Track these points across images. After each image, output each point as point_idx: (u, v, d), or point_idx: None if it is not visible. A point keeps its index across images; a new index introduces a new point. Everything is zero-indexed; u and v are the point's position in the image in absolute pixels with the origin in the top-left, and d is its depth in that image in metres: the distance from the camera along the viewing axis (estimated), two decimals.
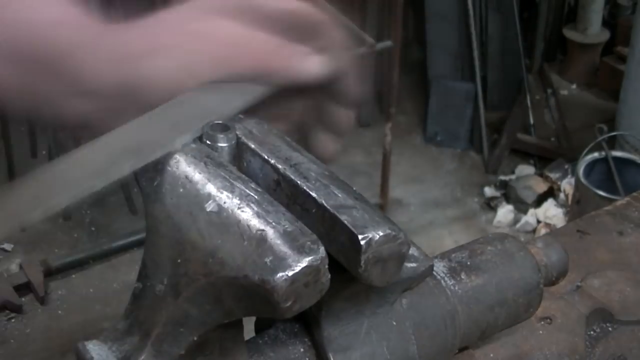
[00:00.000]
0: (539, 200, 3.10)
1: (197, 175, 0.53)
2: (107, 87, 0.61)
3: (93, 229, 2.93)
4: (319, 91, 0.64)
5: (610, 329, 0.81)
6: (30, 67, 0.62)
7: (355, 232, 0.50)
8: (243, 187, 0.52)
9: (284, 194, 0.55)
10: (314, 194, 0.53)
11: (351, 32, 0.67)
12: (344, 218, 0.51)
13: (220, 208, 0.50)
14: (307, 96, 0.64)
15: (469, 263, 0.69)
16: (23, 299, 2.51)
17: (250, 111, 0.61)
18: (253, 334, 0.62)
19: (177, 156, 0.54)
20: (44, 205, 0.50)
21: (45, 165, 0.54)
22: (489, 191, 3.21)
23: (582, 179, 2.58)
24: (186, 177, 0.53)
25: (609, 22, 3.83)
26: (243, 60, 0.61)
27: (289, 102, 0.65)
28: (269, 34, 0.61)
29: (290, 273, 0.47)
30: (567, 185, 3.09)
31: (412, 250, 0.62)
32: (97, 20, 0.63)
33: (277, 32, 0.61)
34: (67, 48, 0.61)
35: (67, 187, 0.52)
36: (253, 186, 0.52)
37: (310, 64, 0.62)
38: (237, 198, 0.51)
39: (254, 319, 0.63)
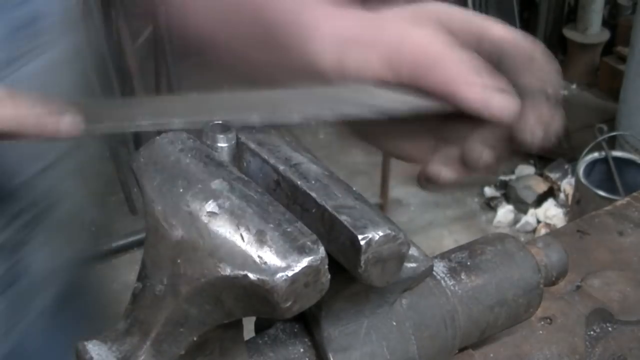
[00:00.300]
0: (539, 200, 3.10)
1: (196, 175, 0.53)
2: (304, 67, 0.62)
3: (93, 229, 2.93)
4: (492, 127, 0.59)
5: (610, 329, 0.81)
6: (255, 37, 0.65)
7: (355, 232, 0.50)
8: (243, 187, 0.52)
9: (284, 194, 0.55)
10: (313, 194, 0.53)
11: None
12: (343, 218, 0.51)
13: (220, 208, 0.50)
14: (475, 126, 0.60)
15: (469, 263, 0.69)
16: None
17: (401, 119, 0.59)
18: (253, 334, 0.62)
19: (177, 156, 0.54)
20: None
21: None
22: (489, 191, 3.21)
23: (582, 179, 2.58)
24: (186, 177, 0.53)
25: (609, 22, 3.83)
26: (430, 75, 0.58)
27: (450, 126, 0.61)
28: (470, 58, 0.58)
29: (290, 273, 0.46)
30: (567, 185, 3.09)
31: (412, 250, 0.62)
32: (322, 2, 0.64)
33: (481, 58, 0.58)
34: (291, 24, 0.62)
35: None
36: (253, 186, 0.52)
37: (499, 104, 0.57)
38: (237, 198, 0.51)
39: (254, 319, 0.63)
